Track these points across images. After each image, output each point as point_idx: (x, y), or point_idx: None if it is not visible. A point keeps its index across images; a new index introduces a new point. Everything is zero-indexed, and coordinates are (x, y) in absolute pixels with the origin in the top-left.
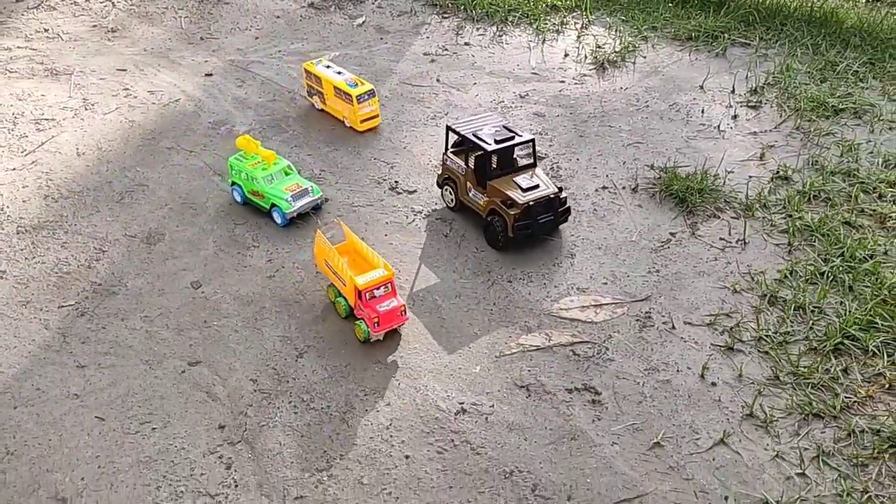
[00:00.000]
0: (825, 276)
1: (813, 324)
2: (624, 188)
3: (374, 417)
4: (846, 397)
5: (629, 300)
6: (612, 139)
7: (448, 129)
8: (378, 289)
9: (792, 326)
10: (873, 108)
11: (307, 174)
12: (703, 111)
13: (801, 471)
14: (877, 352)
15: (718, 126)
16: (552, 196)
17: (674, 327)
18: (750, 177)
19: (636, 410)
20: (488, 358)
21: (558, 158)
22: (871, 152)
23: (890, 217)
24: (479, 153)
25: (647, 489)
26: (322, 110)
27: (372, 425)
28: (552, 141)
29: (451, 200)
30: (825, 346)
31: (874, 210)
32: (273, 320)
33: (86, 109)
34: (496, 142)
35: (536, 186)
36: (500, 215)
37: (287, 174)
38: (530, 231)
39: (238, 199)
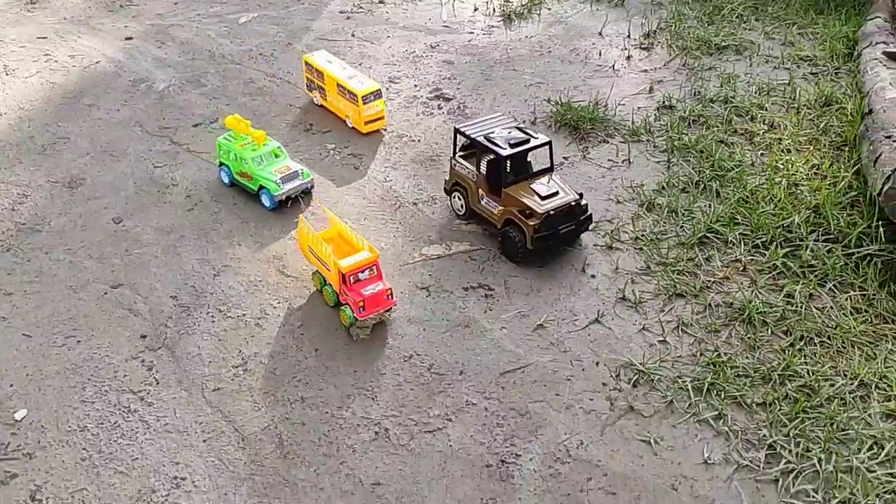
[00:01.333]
0: (697, 184)
1: (683, 223)
2: (524, 121)
3: (287, 321)
4: (706, 279)
5: None
6: (515, 81)
7: (456, 131)
8: (363, 272)
9: (664, 227)
10: (753, 44)
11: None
12: (600, 54)
13: (662, 338)
14: (735, 242)
15: (613, 66)
16: (573, 203)
17: None
18: (638, 107)
19: (524, 301)
20: (393, 267)
21: (465, 99)
22: (748, 82)
23: (757, 134)
24: (492, 157)
25: (530, 361)
26: (321, 106)
27: (284, 327)
28: (459, 84)
29: (461, 208)
30: (691, 240)
31: (745, 129)
32: (192, 246)
33: (6, 74)
34: (510, 145)
35: (556, 193)
36: (518, 226)
37: (277, 156)
38: (551, 242)
39: (225, 180)
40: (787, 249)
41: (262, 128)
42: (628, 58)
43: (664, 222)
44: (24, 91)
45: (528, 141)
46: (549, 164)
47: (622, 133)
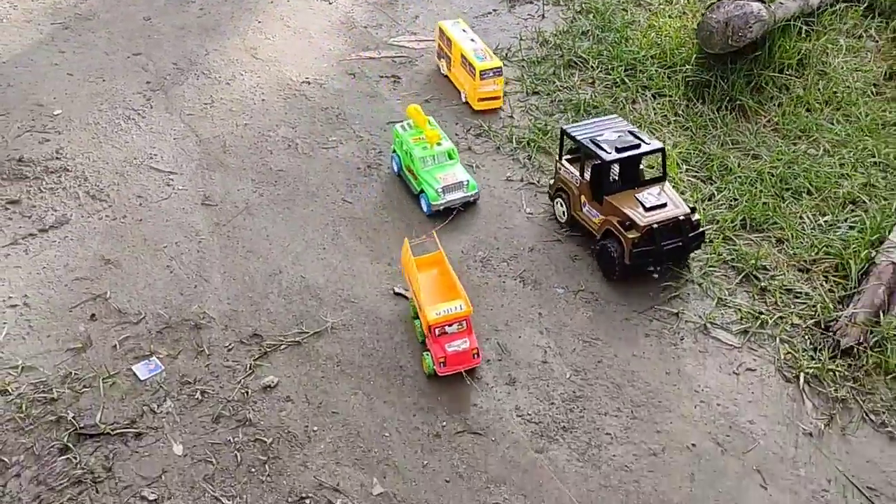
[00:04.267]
0: (585, 33)
1: (563, 54)
2: None
3: (249, 83)
4: (560, 85)
5: None
6: None
7: (563, 132)
8: (451, 325)
9: (546, 55)
10: None
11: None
12: None
13: (510, 115)
14: (594, 66)
15: None
16: (681, 218)
17: None
18: None
19: (421, 87)
20: (334, 59)
21: None
22: None
23: (653, 5)
24: (597, 162)
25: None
26: (446, 76)
27: (246, 86)
28: None
29: (563, 214)
30: (561, 63)
31: (647, 2)
32: (195, 37)
33: None
34: (617, 150)
35: (663, 206)
36: (617, 238)
37: (450, 158)
38: (651, 259)
39: (395, 168)
40: (630, 72)
41: None
42: None
43: (547, 52)
44: None
45: (637, 146)
46: (662, 173)
47: None
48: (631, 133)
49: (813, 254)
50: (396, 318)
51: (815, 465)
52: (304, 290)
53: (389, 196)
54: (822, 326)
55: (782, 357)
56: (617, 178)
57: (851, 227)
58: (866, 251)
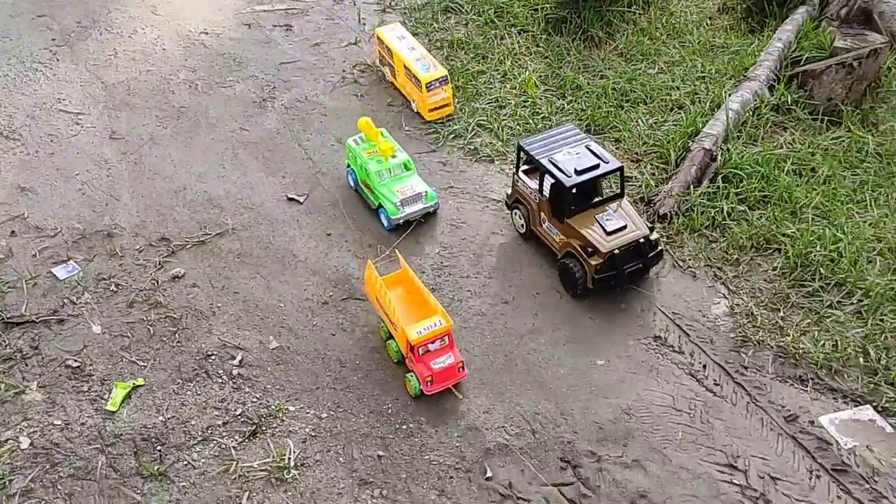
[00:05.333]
0: None
1: (441, 1)
2: None
3: (149, 36)
4: (438, 27)
5: None
6: None
7: (519, 148)
8: (433, 342)
9: (428, 1)
10: None
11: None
12: None
13: None
14: (468, 10)
15: None
16: (641, 240)
17: None
18: None
19: (314, 34)
20: (230, 12)
21: None
22: None
23: None
24: (555, 182)
25: (307, 61)
26: (392, 84)
27: (148, 39)
28: None
29: (522, 227)
30: (439, 9)
31: None
32: None
33: None
34: (577, 171)
35: (623, 228)
36: (579, 260)
37: (408, 168)
38: (614, 283)
39: (351, 183)
40: (498, 13)
41: None
42: None
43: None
44: None
45: (597, 166)
46: (619, 191)
47: None
48: (589, 149)
49: (643, 147)
50: (290, 218)
51: (633, 300)
52: (207, 202)
53: (284, 123)
54: (646, 201)
55: None
56: (574, 197)
57: (674, 125)
58: (682, 141)
